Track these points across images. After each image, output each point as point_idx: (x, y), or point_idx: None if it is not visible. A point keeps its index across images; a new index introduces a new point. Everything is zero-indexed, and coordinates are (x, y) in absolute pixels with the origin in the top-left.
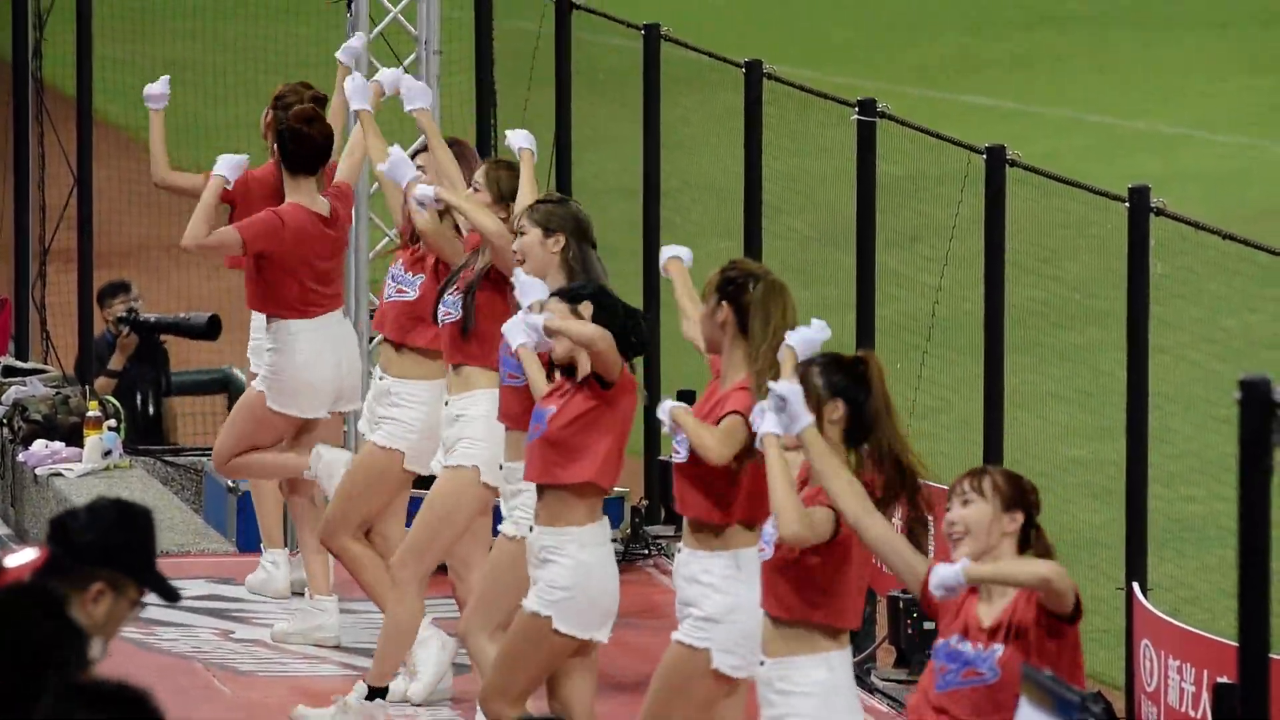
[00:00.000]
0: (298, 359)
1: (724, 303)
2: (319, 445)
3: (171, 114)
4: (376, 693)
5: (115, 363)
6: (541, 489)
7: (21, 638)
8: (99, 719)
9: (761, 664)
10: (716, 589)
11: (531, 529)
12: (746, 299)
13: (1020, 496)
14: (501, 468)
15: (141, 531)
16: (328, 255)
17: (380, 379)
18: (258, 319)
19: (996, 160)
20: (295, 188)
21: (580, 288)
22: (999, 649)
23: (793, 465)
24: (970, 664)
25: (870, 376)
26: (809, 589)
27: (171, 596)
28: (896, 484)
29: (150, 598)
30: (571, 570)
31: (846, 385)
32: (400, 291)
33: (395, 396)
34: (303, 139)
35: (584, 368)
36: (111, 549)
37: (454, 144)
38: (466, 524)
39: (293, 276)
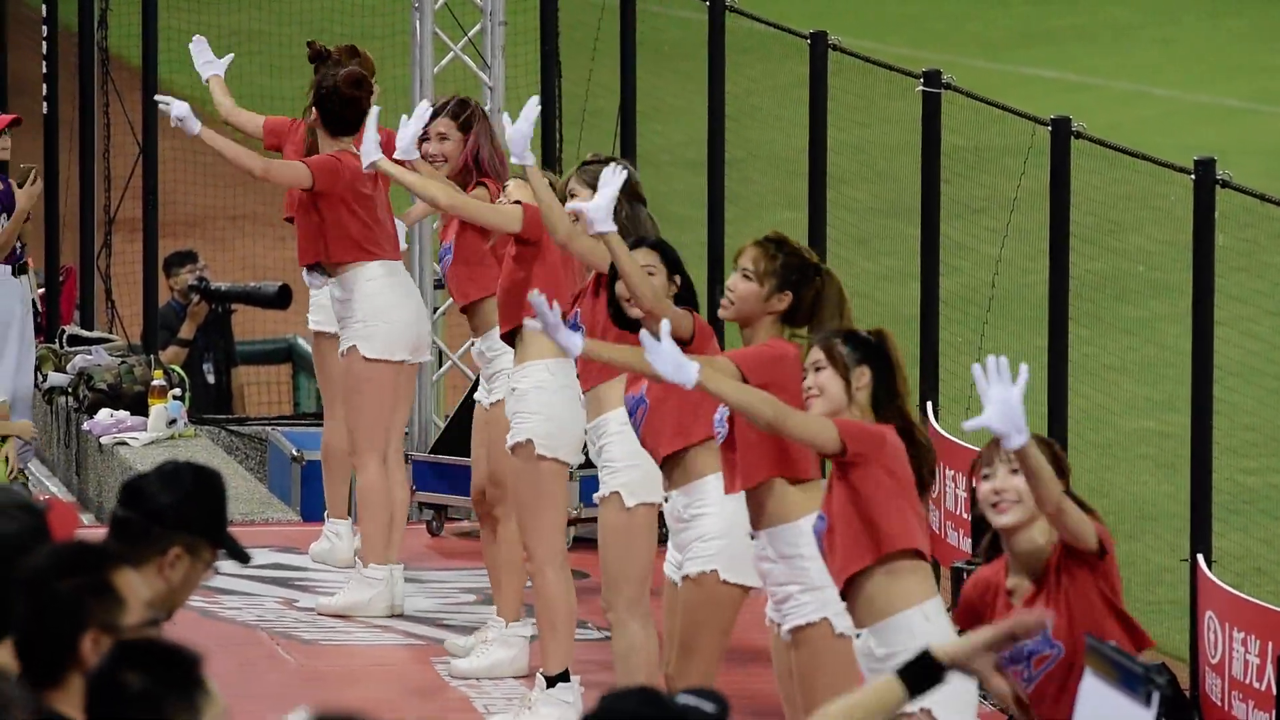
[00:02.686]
0: (379, 301)
1: (786, 291)
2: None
3: (236, 85)
4: (558, 679)
5: (186, 331)
6: (665, 460)
7: (46, 596)
8: (146, 679)
9: (858, 637)
10: (807, 557)
11: (666, 499)
12: (809, 291)
13: (1057, 463)
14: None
15: (216, 494)
16: (375, 207)
17: (473, 343)
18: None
19: (1062, 132)
20: (335, 146)
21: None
22: (1048, 621)
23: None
24: (1034, 653)
25: (888, 348)
26: (863, 535)
27: (243, 559)
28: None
29: (223, 565)
30: (720, 518)
31: (870, 354)
32: (445, 259)
33: (486, 354)
34: (350, 103)
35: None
36: (188, 513)
37: (461, 102)
38: (563, 497)
39: (355, 216)
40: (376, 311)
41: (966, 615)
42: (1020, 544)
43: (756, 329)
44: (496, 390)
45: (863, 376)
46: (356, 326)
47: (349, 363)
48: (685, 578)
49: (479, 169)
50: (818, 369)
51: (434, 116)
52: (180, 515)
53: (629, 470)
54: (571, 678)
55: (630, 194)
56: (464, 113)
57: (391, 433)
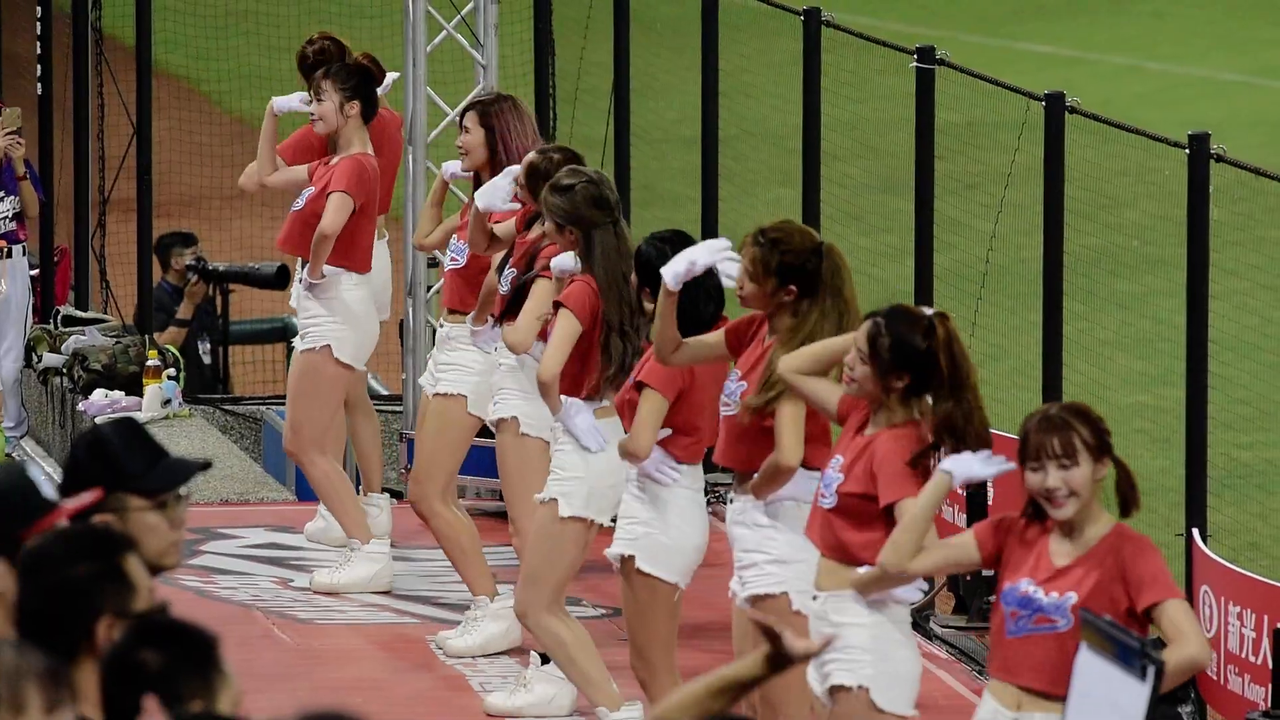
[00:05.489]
0: (358, 310)
1: (790, 286)
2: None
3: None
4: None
5: (184, 312)
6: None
7: (60, 581)
8: (163, 658)
9: (815, 598)
10: (779, 530)
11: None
12: (814, 276)
13: (1103, 442)
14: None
15: (104, 449)
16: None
17: (440, 327)
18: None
19: (1056, 107)
20: (362, 138)
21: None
22: (1073, 596)
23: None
24: (1042, 610)
25: (937, 343)
26: (866, 530)
27: (172, 481)
28: (957, 432)
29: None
30: (650, 504)
31: (913, 359)
32: (454, 260)
33: (453, 341)
34: (374, 81)
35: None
36: (86, 482)
37: (507, 100)
38: (542, 469)
39: (371, 223)
40: (355, 319)
41: (991, 535)
42: (1074, 523)
43: (777, 314)
44: (443, 382)
45: (900, 381)
46: (332, 327)
47: (318, 360)
48: (614, 556)
49: (508, 157)
50: (861, 360)
51: (465, 111)
52: (83, 488)
53: (573, 482)
54: None
55: (590, 223)
56: (484, 108)
57: (333, 431)
